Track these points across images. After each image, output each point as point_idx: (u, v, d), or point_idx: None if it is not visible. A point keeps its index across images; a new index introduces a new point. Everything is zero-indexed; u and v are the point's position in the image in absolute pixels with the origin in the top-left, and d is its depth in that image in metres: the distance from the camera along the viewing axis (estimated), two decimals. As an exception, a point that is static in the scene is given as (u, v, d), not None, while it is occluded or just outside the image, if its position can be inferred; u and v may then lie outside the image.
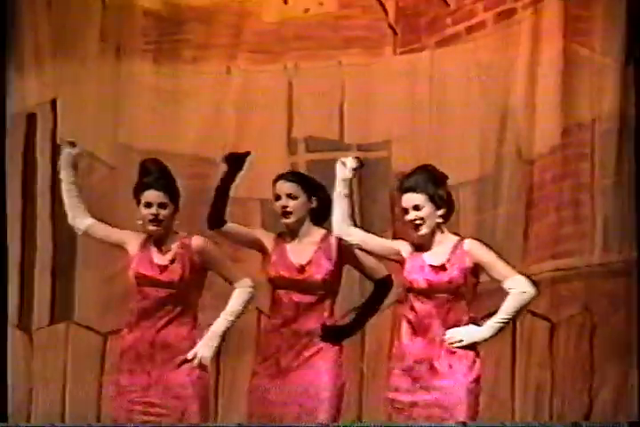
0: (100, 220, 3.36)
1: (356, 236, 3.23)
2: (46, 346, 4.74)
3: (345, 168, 3.22)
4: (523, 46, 4.57)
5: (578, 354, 4.35)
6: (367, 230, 3.33)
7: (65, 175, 3.38)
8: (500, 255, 4.40)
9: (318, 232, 3.37)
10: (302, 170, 4.80)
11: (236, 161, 3.38)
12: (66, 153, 3.36)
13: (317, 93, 4.92)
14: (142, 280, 3.17)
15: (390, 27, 4.79)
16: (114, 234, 3.37)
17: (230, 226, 3.35)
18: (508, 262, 3.30)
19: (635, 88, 4.44)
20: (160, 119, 4.82)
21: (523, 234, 4.58)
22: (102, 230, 3.39)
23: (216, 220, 3.24)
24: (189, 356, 3.23)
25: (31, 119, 4.87)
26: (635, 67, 4.46)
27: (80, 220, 3.34)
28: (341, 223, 3.24)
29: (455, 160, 4.52)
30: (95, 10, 4.74)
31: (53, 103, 4.96)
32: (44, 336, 4.72)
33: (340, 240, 3.34)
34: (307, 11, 4.67)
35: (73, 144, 3.44)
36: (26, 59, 4.89)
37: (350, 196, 3.29)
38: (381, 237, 3.62)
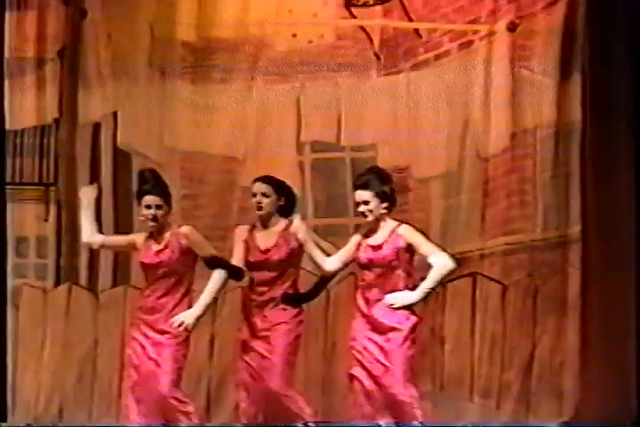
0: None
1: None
2: (108, 306, 5.60)
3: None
4: (479, 69, 5.33)
5: (524, 310, 5.15)
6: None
7: (86, 205, 4.19)
8: (465, 232, 5.48)
9: (283, 222, 4.16)
10: (308, 166, 5.68)
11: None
12: (88, 190, 4.26)
13: (319, 106, 5.63)
14: (144, 266, 4.03)
15: (375, 54, 5.50)
16: (122, 240, 4.30)
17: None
18: (446, 241, 4.23)
19: (581, 96, 5.26)
20: (196, 127, 5.60)
21: (480, 216, 5.32)
22: (113, 241, 4.36)
23: None
24: (174, 320, 3.91)
25: (97, 128, 5.67)
26: (581, 78, 5.14)
27: (94, 238, 4.16)
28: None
29: (427, 159, 5.39)
30: (145, 41, 5.56)
31: (114, 115, 5.68)
32: (107, 297, 5.61)
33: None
34: (310, 42, 5.47)
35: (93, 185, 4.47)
36: (91, 79, 5.67)
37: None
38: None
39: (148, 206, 3.96)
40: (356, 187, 3.94)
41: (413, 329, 3.85)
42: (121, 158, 5.61)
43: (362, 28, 5.52)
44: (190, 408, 4.00)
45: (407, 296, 3.83)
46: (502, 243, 5.32)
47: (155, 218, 3.93)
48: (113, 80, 5.73)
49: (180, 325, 3.84)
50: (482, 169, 5.38)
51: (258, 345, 4.22)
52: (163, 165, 5.30)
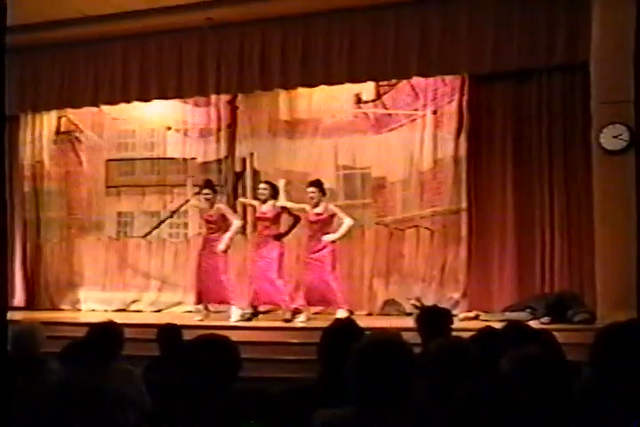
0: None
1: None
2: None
3: None
4: (419, 132, 9.57)
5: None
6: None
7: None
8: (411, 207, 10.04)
9: (273, 201, 8.81)
10: (340, 178, 9.80)
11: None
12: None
13: (345, 150, 9.83)
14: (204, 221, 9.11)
15: (372, 125, 9.62)
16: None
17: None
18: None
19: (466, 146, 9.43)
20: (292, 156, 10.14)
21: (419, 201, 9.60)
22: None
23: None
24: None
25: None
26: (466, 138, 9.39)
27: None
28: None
29: (396, 173, 9.84)
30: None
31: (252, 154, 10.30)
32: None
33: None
34: (340, 118, 10.01)
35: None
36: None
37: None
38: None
39: (206, 195, 9.24)
40: (308, 185, 8.62)
41: (331, 253, 8.59)
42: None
43: (364, 112, 9.99)
44: None
45: (331, 236, 8.59)
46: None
47: (209, 201, 9.41)
48: (251, 138, 10.47)
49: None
50: (420, 177, 9.58)
51: (262, 259, 8.82)
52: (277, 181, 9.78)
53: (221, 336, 3.25)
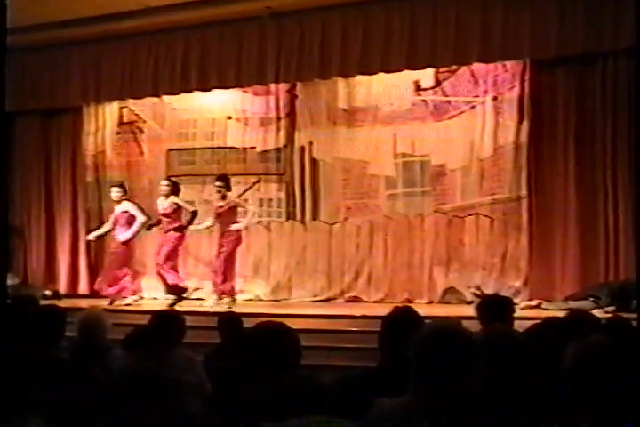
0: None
1: None
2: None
3: None
4: (479, 118, 9.50)
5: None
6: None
7: None
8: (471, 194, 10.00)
9: (172, 197, 9.58)
10: (399, 166, 9.82)
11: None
12: None
13: (405, 135, 9.86)
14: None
15: (431, 113, 9.73)
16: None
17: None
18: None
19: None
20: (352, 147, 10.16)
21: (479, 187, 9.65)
22: None
23: None
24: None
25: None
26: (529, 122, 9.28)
27: None
28: None
29: (455, 159, 9.86)
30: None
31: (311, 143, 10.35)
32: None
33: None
34: (398, 106, 10.40)
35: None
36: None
37: None
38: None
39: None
40: (216, 179, 9.27)
41: (235, 240, 9.27)
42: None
43: (423, 100, 9.97)
44: None
45: (239, 224, 9.15)
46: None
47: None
48: (311, 127, 10.57)
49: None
50: (480, 165, 9.53)
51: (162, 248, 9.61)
52: (334, 165, 10.26)
53: (281, 324, 3.27)
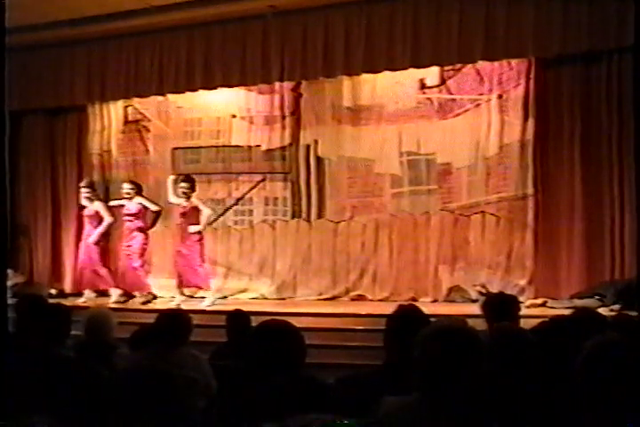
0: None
1: None
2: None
3: None
4: (484, 116, 9.48)
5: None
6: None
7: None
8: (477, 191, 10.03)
9: (137, 198, 9.85)
10: (405, 164, 9.80)
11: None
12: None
13: (410, 134, 9.80)
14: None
15: (436, 111, 9.63)
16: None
17: None
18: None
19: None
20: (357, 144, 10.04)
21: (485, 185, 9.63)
22: None
23: None
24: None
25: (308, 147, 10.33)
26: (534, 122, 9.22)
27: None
28: None
29: (460, 158, 9.79)
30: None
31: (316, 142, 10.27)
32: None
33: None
34: (402, 105, 10.26)
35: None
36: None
37: None
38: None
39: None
40: (182, 180, 9.30)
41: (198, 242, 9.30)
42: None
43: (428, 98, 9.95)
44: None
45: (195, 227, 9.15)
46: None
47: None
48: (316, 125, 10.43)
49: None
50: (486, 163, 9.48)
51: (127, 249, 9.86)
52: (339, 164, 10.24)
53: (286, 323, 3.27)
